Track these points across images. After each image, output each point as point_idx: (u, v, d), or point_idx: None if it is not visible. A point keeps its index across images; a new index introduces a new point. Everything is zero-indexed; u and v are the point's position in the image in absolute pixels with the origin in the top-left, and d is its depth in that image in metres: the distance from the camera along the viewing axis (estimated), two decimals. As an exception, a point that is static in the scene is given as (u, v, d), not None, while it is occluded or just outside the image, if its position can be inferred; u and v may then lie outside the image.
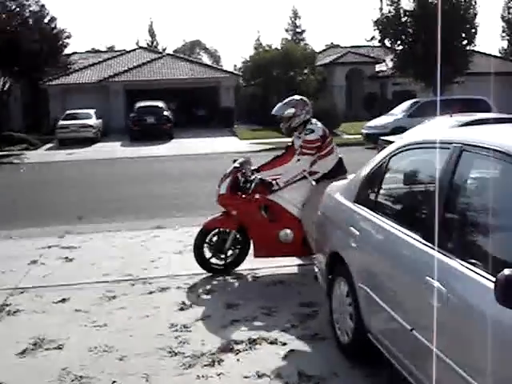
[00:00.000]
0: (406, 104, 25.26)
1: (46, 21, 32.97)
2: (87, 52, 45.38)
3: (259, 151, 23.97)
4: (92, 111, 31.17)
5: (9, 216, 11.53)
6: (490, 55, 39.95)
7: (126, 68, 39.07)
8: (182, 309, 5.66)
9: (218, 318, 5.36)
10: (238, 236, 6.69)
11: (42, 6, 32.92)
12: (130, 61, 41.44)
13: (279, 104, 6.88)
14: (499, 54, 47.50)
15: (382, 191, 4.27)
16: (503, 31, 49.73)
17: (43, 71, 33.30)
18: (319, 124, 6.65)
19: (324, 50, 51.35)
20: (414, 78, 29.26)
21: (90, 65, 40.59)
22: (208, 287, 6.31)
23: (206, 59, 67.37)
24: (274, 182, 6.51)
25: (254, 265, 6.87)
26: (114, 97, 37.11)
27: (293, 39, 54.96)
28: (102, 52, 51.29)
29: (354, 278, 4.11)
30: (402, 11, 28.41)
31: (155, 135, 28.91)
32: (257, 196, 6.61)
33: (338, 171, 6.46)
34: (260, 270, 6.80)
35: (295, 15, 63.83)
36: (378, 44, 31.11)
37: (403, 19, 28.48)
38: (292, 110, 6.65)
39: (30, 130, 33.44)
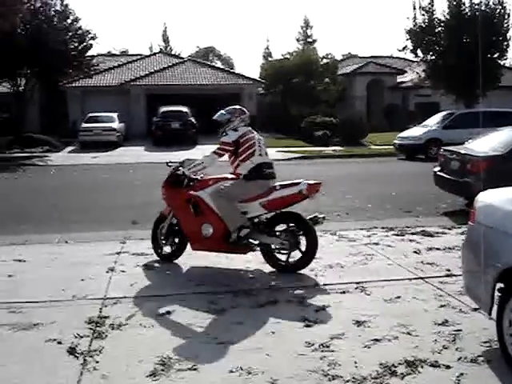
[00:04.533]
0: (440, 115, 24.86)
1: (69, 21, 32.51)
2: (103, 55, 44.93)
3: (289, 159, 23.47)
4: (115, 114, 30.70)
5: (54, 220, 11.06)
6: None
7: (147, 72, 38.66)
8: (308, 325, 5.11)
9: (355, 337, 4.82)
10: (176, 227, 7.44)
11: (66, 5, 32.53)
12: (151, 65, 41.06)
13: (221, 111, 7.36)
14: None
15: None
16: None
17: (65, 72, 32.83)
18: (239, 132, 7.06)
19: (342, 60, 51.01)
20: (445, 89, 28.79)
21: (111, 68, 40.20)
22: (322, 302, 5.75)
23: (220, 66, 67.06)
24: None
25: (357, 278, 6.40)
26: (135, 101, 36.66)
27: (304, 48, 54.53)
28: (117, 55, 50.91)
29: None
30: (436, 21, 27.96)
31: (179, 140, 28.39)
32: (187, 191, 7.15)
33: (258, 174, 6.93)
34: (368, 283, 6.29)
35: (307, 25, 63.44)
36: (409, 54, 30.72)
37: (437, 29, 28.03)
38: (228, 117, 7.20)
39: (46, 131, 32.93)
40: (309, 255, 6.83)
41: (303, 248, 6.86)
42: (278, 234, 6.90)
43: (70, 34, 32.32)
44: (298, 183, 6.81)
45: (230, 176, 7.22)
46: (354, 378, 4.07)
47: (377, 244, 8.22)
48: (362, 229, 9.32)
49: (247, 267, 7.11)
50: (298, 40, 63.07)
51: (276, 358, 4.44)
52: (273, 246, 6.90)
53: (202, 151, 26.47)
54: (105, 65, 39.72)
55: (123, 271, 7.07)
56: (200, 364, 4.34)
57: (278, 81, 40.57)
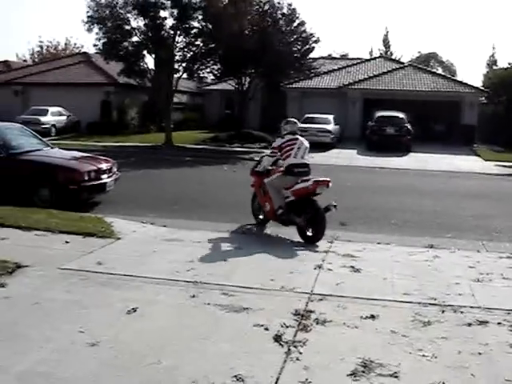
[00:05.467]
0: None
1: (295, 24, 33.63)
2: (323, 58, 45.81)
3: (508, 175, 21.96)
4: (331, 117, 31.18)
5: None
6: None
7: (366, 76, 38.70)
8: (518, 352, 4.80)
9: None
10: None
11: (293, 9, 33.65)
12: (370, 69, 41.02)
13: None
14: None
15: None
16: None
17: (287, 74, 34.12)
18: (284, 139, 9.55)
19: None
20: None
21: (330, 71, 40.89)
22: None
23: (441, 73, 64.84)
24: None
25: None
26: (352, 104, 36.93)
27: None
28: (337, 59, 51.60)
29: None
30: None
31: (393, 146, 27.98)
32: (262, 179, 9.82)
33: (290, 172, 9.25)
34: None
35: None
36: None
37: None
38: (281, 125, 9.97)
39: (264, 129, 34.49)
40: (319, 234, 8.90)
41: (316, 227, 8.93)
42: (301, 215, 9.02)
43: (295, 36, 33.41)
44: (309, 179, 9.17)
45: (280, 170, 9.45)
46: None
47: None
48: None
49: (456, 283, 6.83)
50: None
51: (479, 379, 4.23)
52: (298, 223, 9.07)
53: (414, 159, 26.11)
54: (325, 67, 40.50)
55: (330, 269, 7.21)
56: (401, 373, 4.29)
57: (502, 91, 38.12)
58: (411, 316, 5.54)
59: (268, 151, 10.14)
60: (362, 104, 36.98)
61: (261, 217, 10.14)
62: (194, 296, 5.97)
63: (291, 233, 9.23)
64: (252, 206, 10.40)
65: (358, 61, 45.19)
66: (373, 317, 5.48)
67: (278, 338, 4.90)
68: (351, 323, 5.31)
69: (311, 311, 5.60)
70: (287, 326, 5.16)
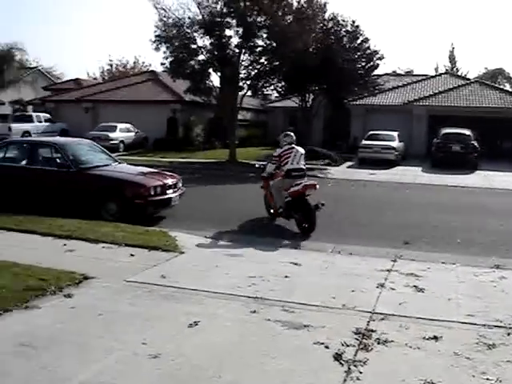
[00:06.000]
0: None
1: (359, 41, 33.53)
2: (388, 74, 45.34)
3: None
4: (395, 134, 30.80)
5: (332, 231, 11.48)
6: None
7: (431, 93, 38.08)
8: None
9: None
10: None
11: (357, 26, 33.56)
12: (435, 85, 40.36)
13: None
14: None
15: None
16: None
17: (350, 90, 34.00)
18: (283, 149, 11.77)
19: None
20: None
21: (395, 87, 40.46)
22: None
23: (508, 89, 63.13)
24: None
25: None
26: (417, 121, 36.38)
27: None
28: (402, 75, 51.00)
29: None
30: None
31: (459, 164, 27.34)
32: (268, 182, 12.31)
33: (288, 175, 11.50)
34: None
35: None
36: None
37: None
38: (279, 138, 12.41)
39: (327, 145, 34.38)
40: (312, 225, 11.01)
41: (309, 221, 11.06)
42: (298, 212, 11.20)
43: (359, 53, 33.31)
44: (301, 183, 11.22)
45: (281, 174, 11.70)
46: None
47: None
48: None
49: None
50: None
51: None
52: (296, 218, 11.23)
53: (480, 177, 25.45)
54: (389, 84, 40.10)
55: (393, 289, 7.12)
56: (464, 395, 4.19)
57: None
58: (475, 338, 5.41)
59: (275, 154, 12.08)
60: (427, 121, 36.37)
61: (272, 211, 12.30)
62: (254, 311, 6.01)
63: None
64: (264, 203, 12.67)
65: (424, 77, 44.50)
66: (436, 338, 5.38)
67: (338, 357, 4.87)
68: (413, 344, 5.22)
69: (373, 330, 5.54)
70: (348, 345, 5.13)
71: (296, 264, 8.20)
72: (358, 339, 5.29)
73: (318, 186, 11.46)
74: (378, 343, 5.23)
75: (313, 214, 11.09)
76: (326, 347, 5.10)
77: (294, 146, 11.82)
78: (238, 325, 5.66)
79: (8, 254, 7.98)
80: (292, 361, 4.80)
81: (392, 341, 5.28)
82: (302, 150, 11.85)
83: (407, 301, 6.59)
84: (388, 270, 8.07)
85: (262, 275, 7.46)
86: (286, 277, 7.49)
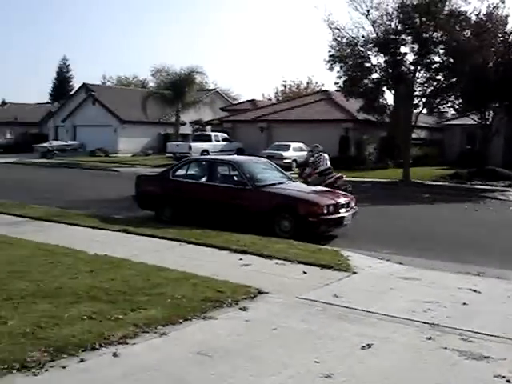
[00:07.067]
0: None
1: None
2: None
3: None
4: None
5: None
6: None
7: None
8: None
9: None
10: None
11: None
12: None
13: None
14: None
15: None
16: None
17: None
18: (315, 156, 17.63)
19: None
20: None
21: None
22: None
23: None
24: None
25: None
26: None
27: None
28: None
29: None
30: None
31: None
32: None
33: (322, 174, 16.97)
34: None
35: None
36: None
37: None
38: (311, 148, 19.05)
39: (508, 166, 32.25)
40: None
41: None
42: None
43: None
44: (332, 177, 16.76)
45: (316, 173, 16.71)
46: None
47: None
48: None
49: None
50: None
51: None
52: None
53: None
54: None
55: None
56: None
57: None
58: None
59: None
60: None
61: None
62: (430, 338, 5.78)
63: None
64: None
65: None
66: None
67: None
68: None
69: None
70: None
71: (475, 291, 7.76)
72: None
73: (344, 176, 17.43)
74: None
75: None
76: (508, 381, 4.76)
77: (321, 153, 17.48)
78: (412, 351, 5.47)
79: (189, 266, 8.46)
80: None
81: None
82: (327, 156, 17.57)
83: None
84: None
85: (439, 300, 7.16)
86: (465, 304, 7.11)
